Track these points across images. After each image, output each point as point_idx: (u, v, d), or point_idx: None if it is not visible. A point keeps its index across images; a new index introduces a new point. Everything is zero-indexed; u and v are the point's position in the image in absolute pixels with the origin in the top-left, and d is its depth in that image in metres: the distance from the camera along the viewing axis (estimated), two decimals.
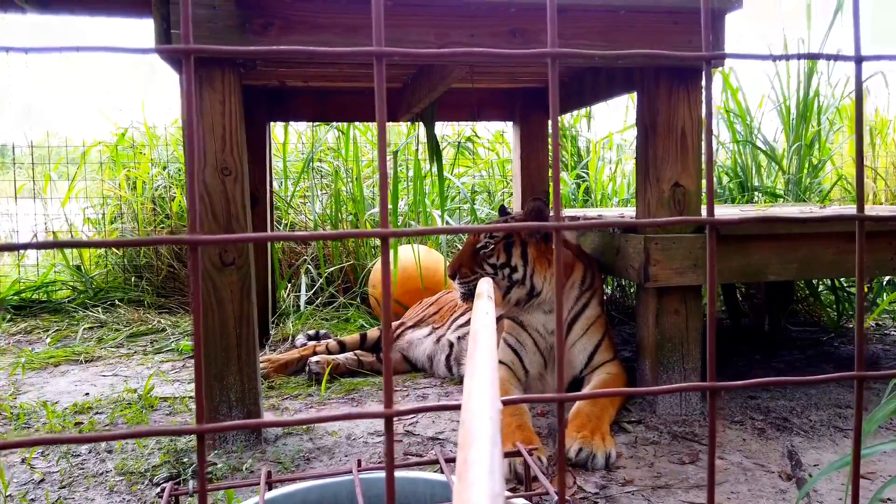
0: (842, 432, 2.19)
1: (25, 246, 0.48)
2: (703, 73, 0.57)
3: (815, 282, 3.76)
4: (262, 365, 2.82)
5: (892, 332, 3.54)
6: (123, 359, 3.31)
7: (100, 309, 4.22)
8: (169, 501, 1.09)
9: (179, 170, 4.86)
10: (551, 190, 0.54)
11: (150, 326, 3.89)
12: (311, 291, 4.28)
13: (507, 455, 1.40)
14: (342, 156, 4.87)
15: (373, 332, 3.29)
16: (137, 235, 4.69)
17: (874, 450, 1.17)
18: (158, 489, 1.83)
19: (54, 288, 4.65)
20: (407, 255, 3.79)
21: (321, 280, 4.33)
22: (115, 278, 4.67)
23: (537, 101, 3.83)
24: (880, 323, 3.72)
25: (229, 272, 2.07)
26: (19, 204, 5.19)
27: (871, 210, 3.26)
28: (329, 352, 3.08)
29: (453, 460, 1.20)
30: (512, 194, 4.35)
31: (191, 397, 2.62)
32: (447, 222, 4.51)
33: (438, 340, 2.96)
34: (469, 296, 2.43)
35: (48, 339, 3.68)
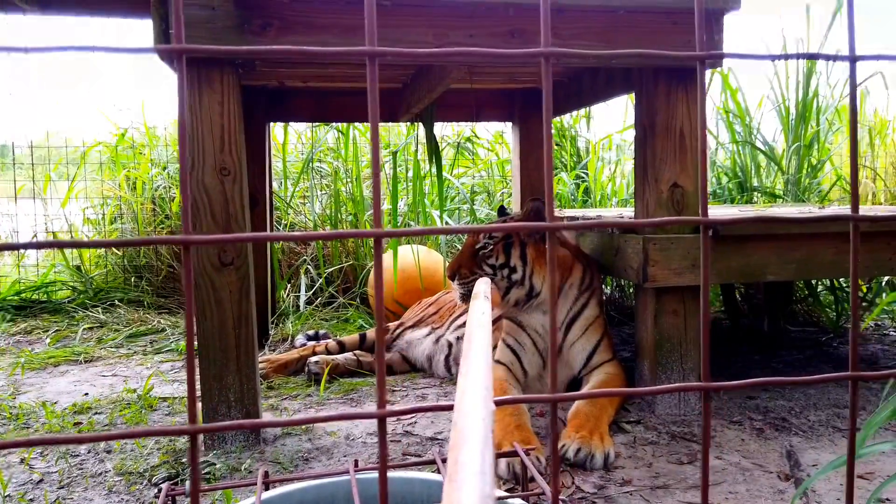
0: (840, 432, 2.19)
1: (25, 246, 0.48)
2: (697, 72, 0.57)
3: (814, 282, 3.75)
4: (261, 365, 2.82)
5: (891, 333, 3.54)
6: (123, 359, 3.31)
7: (100, 309, 4.22)
8: (165, 502, 1.09)
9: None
10: (545, 189, 0.55)
11: (149, 327, 3.89)
12: (311, 292, 4.28)
13: (505, 455, 1.40)
14: (342, 156, 4.87)
15: (372, 333, 3.29)
16: (137, 236, 4.69)
17: (872, 450, 1.17)
18: (157, 489, 1.83)
19: (54, 288, 4.65)
20: (406, 256, 3.79)
21: (321, 280, 4.33)
22: (115, 278, 4.67)
23: (537, 102, 3.83)
24: (879, 323, 3.71)
25: (228, 272, 2.07)
26: (19, 204, 5.19)
27: (869, 210, 3.26)
28: (328, 352, 3.08)
29: None
30: (511, 195, 4.35)
31: None
32: (447, 222, 4.51)
33: (437, 341, 2.97)
34: (468, 296, 2.44)
35: (48, 340, 3.68)
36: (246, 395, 2.10)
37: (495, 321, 2.66)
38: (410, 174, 4.54)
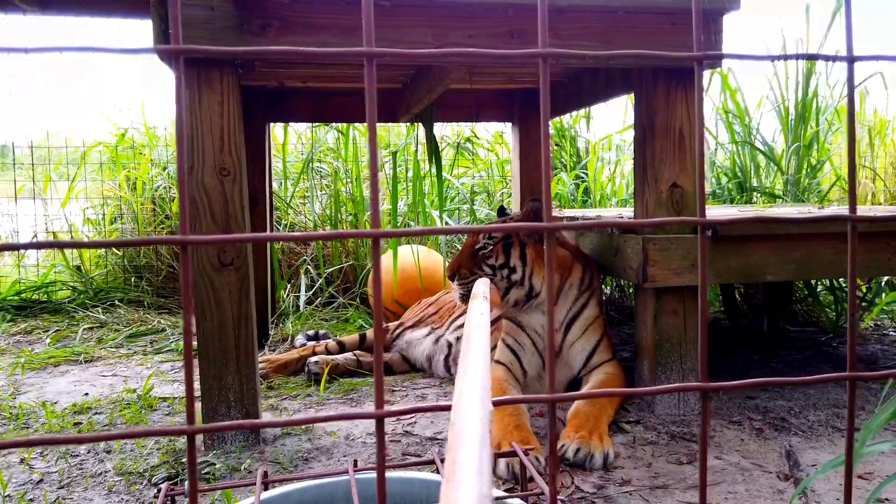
0: (840, 432, 2.19)
1: (25, 246, 0.48)
2: (695, 72, 0.57)
3: (813, 282, 3.76)
4: (261, 365, 2.83)
5: (891, 332, 3.54)
6: (123, 359, 3.31)
7: (100, 309, 4.22)
8: (165, 502, 1.09)
9: None
10: (543, 190, 0.55)
11: (149, 327, 3.89)
12: (311, 292, 4.28)
13: (504, 455, 1.40)
14: (342, 156, 4.88)
15: (372, 333, 3.29)
16: (137, 236, 4.69)
17: (871, 450, 1.17)
18: (156, 489, 1.83)
19: (54, 288, 4.65)
20: (406, 256, 3.79)
21: (321, 280, 4.33)
22: (115, 279, 4.67)
23: (536, 102, 3.82)
24: (879, 323, 3.72)
25: (228, 273, 2.07)
26: (19, 204, 5.19)
27: (868, 210, 3.26)
28: (328, 352, 3.08)
29: None
30: (511, 195, 4.35)
31: None
32: (446, 223, 4.51)
33: (437, 341, 2.97)
34: (468, 297, 2.44)
35: (48, 340, 3.68)
36: (245, 395, 2.10)
37: (495, 321, 2.66)
38: (410, 174, 4.54)
